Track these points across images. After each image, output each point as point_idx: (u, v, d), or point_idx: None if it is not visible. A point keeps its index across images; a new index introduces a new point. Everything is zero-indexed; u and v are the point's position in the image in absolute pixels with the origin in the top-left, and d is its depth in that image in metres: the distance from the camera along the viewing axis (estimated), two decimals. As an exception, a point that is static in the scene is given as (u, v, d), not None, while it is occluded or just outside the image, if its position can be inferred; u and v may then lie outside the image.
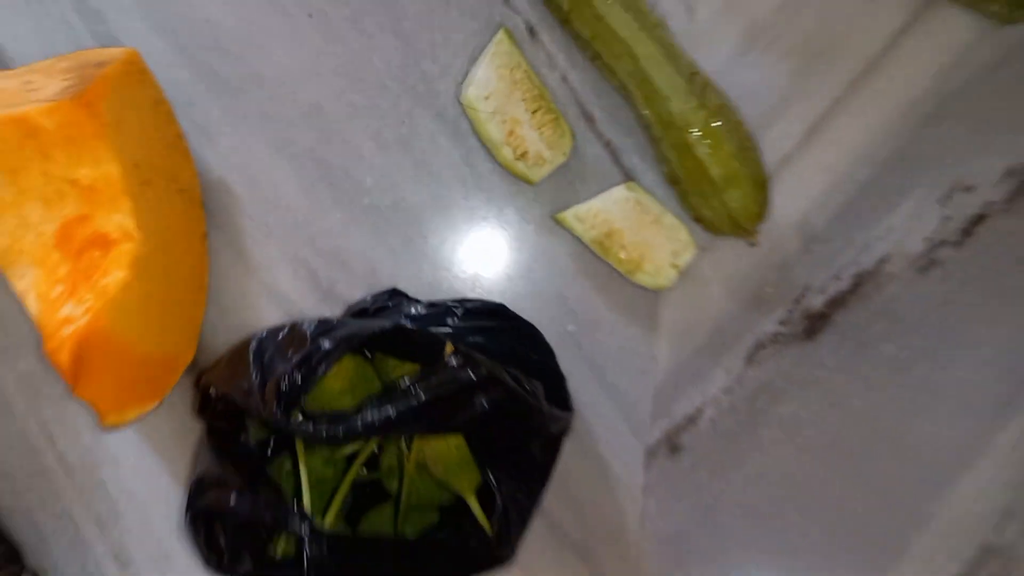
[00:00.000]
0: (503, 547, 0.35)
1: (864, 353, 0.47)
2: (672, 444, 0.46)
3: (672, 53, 0.41)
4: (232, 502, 0.32)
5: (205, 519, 0.34)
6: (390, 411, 0.31)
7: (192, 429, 0.44)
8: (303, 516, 0.31)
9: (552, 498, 0.45)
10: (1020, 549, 0.47)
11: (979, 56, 0.46)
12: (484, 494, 0.35)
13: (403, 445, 0.36)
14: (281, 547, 0.33)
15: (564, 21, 0.43)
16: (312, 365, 0.31)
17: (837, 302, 0.47)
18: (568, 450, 0.41)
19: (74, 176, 0.37)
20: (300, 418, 0.32)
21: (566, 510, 0.46)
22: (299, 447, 0.34)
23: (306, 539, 0.30)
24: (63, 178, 0.37)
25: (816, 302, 0.46)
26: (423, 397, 0.31)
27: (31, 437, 0.44)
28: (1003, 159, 0.47)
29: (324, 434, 0.31)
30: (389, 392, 0.31)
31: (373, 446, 0.35)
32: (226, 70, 0.44)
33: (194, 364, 0.43)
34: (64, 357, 0.36)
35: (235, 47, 0.44)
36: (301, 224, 0.45)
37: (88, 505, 0.44)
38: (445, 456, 0.34)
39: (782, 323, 0.46)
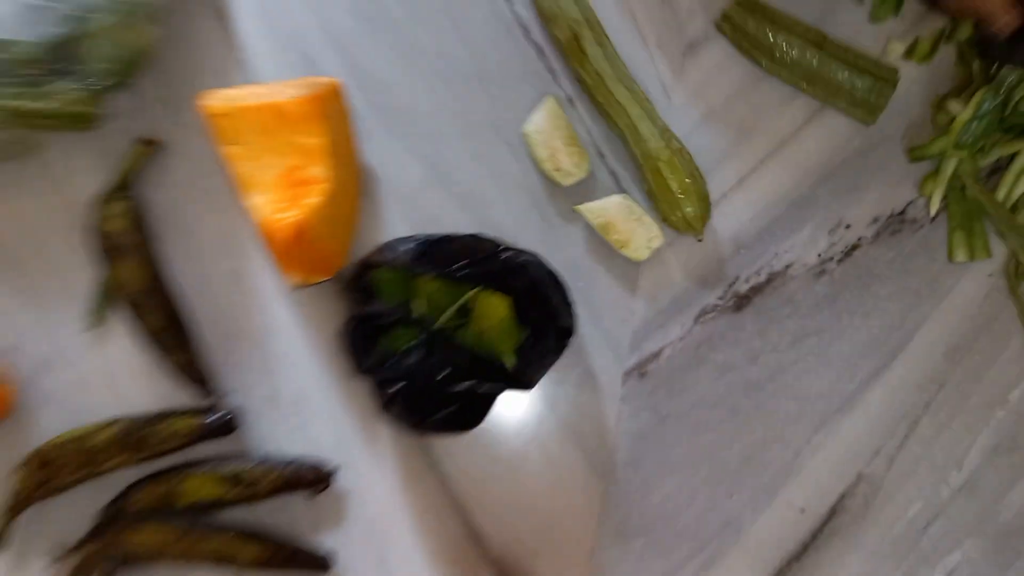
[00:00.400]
0: (527, 376, 0.58)
1: (773, 326, 0.70)
2: (641, 371, 0.69)
3: (653, 115, 0.68)
4: (369, 309, 0.56)
5: (351, 332, 0.58)
6: (477, 269, 0.56)
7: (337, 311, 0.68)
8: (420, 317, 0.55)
9: (553, 390, 0.68)
10: (883, 477, 0.69)
11: (853, 143, 0.73)
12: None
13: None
14: (402, 342, 0.57)
15: (588, 93, 0.70)
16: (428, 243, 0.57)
17: (756, 289, 0.71)
18: (568, 361, 0.65)
19: (298, 142, 0.63)
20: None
21: (563, 402, 0.68)
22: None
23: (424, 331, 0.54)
24: (291, 143, 0.63)
25: (742, 288, 0.71)
26: (495, 266, 0.56)
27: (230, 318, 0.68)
28: (871, 210, 0.72)
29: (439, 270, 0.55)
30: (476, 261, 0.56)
31: (467, 295, 0.58)
32: (387, 104, 0.71)
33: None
34: (277, 243, 0.61)
35: (398, 93, 0.72)
36: (413, 194, 0.70)
37: (261, 359, 0.68)
38: (499, 310, 0.58)
39: (719, 299, 0.70)
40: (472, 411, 0.63)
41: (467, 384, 0.58)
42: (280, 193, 0.63)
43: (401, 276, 0.59)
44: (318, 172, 0.63)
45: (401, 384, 0.58)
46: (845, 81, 0.68)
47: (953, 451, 0.68)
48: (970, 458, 0.68)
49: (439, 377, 0.57)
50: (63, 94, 0.63)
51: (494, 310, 0.58)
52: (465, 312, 0.58)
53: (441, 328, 0.56)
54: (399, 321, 0.57)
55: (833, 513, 0.67)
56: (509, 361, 0.57)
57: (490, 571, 0.66)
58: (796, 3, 0.71)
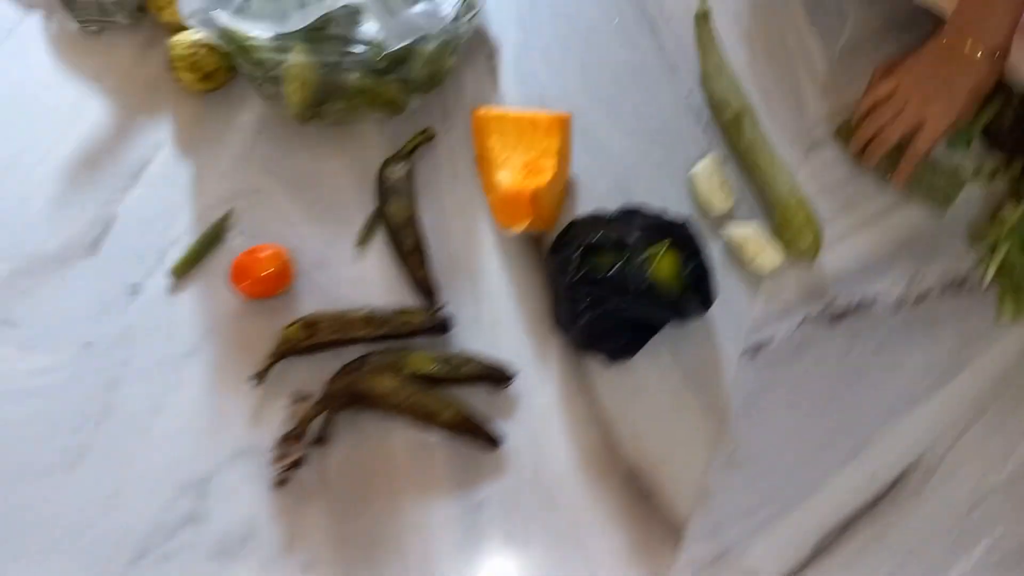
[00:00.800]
0: (685, 313, 0.82)
1: (858, 339, 0.91)
2: (754, 352, 0.91)
3: (786, 174, 0.96)
4: (598, 238, 0.82)
5: (562, 255, 0.83)
6: (665, 230, 0.82)
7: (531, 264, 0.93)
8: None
9: (685, 347, 0.91)
10: (939, 463, 0.87)
11: (931, 224, 0.98)
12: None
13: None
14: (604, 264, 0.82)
15: (740, 156, 0.98)
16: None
17: (848, 311, 0.93)
18: (700, 328, 0.88)
19: (540, 143, 0.91)
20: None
21: (690, 359, 0.90)
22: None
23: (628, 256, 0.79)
24: (535, 143, 0.91)
25: (837, 308, 0.93)
26: (678, 230, 0.82)
27: (457, 258, 0.94)
28: (940, 271, 0.96)
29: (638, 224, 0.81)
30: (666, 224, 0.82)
31: (662, 244, 0.83)
32: (592, 141, 1.00)
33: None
34: (521, 203, 0.88)
35: (599, 135, 1.01)
36: (601, 201, 0.97)
37: (468, 281, 0.92)
38: (673, 264, 0.83)
39: (819, 312, 0.93)
40: (635, 343, 0.86)
41: (643, 309, 0.81)
42: (521, 173, 0.91)
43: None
44: (548, 164, 0.91)
45: (592, 306, 0.82)
46: (928, 178, 0.95)
47: (998, 452, 0.86)
48: (1012, 460, 0.86)
49: (626, 294, 0.80)
50: (391, 86, 0.94)
51: (670, 263, 0.83)
52: (646, 263, 0.83)
53: (634, 261, 0.81)
54: (603, 248, 0.82)
55: (896, 483, 0.85)
56: (675, 295, 0.81)
57: (623, 472, 0.85)
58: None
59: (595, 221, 0.85)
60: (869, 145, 0.95)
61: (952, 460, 0.86)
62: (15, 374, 0.85)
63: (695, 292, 0.83)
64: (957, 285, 0.94)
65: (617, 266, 0.80)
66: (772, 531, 0.82)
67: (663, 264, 0.82)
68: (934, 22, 0.94)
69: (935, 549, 0.82)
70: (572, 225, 0.86)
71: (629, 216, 0.85)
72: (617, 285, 0.80)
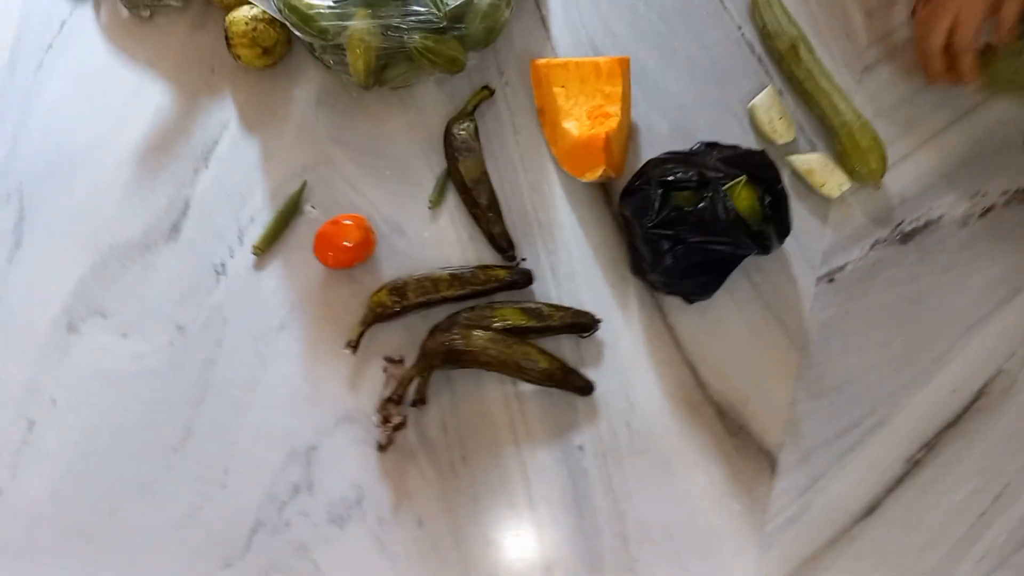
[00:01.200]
0: (766, 243, 0.83)
1: (929, 257, 0.92)
2: (830, 278, 0.92)
3: (847, 99, 0.95)
4: (677, 176, 0.82)
5: (643, 196, 0.84)
6: (743, 162, 0.82)
7: (602, 215, 0.94)
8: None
9: (762, 280, 0.92)
10: (1018, 372, 0.88)
11: (993, 136, 0.99)
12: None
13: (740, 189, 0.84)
14: (688, 202, 0.82)
15: (798, 85, 0.98)
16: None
17: (917, 230, 0.94)
18: (775, 260, 0.89)
19: (603, 89, 0.91)
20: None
21: (769, 291, 0.91)
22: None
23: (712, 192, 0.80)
24: (598, 89, 0.91)
25: (907, 228, 0.94)
26: (757, 161, 0.82)
27: (528, 212, 0.95)
28: (1002, 184, 0.97)
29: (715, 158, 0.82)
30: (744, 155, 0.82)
31: (740, 178, 0.83)
32: (649, 84, 1.00)
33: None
34: (595, 150, 0.88)
35: (655, 78, 1.01)
36: (662, 143, 0.97)
37: (542, 234, 0.93)
38: (752, 197, 0.83)
39: (889, 234, 0.94)
40: (715, 280, 0.87)
41: (726, 243, 0.82)
42: (587, 122, 0.91)
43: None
44: (613, 110, 0.91)
45: (676, 244, 0.82)
46: (1010, 67, 0.92)
47: (1073, 358, 0.88)
48: (1087, 364, 0.88)
49: (710, 230, 0.81)
50: (451, 44, 0.93)
51: (750, 195, 0.83)
52: (727, 197, 0.83)
53: (715, 195, 0.82)
54: (683, 185, 0.82)
55: (978, 396, 0.87)
56: (757, 227, 0.82)
57: (712, 409, 0.87)
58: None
59: (669, 159, 0.85)
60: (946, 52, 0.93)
61: (1030, 368, 0.87)
62: (115, 361, 0.86)
63: (774, 222, 0.84)
64: (1020, 197, 0.94)
65: (701, 201, 0.80)
66: (861, 453, 0.84)
67: (743, 196, 0.82)
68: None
69: (1021, 457, 0.84)
70: (646, 167, 0.86)
71: (704, 152, 0.85)
72: (701, 221, 0.81)
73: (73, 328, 0.87)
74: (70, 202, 0.92)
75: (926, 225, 0.93)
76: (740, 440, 0.84)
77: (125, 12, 0.98)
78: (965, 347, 0.88)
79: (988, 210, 0.94)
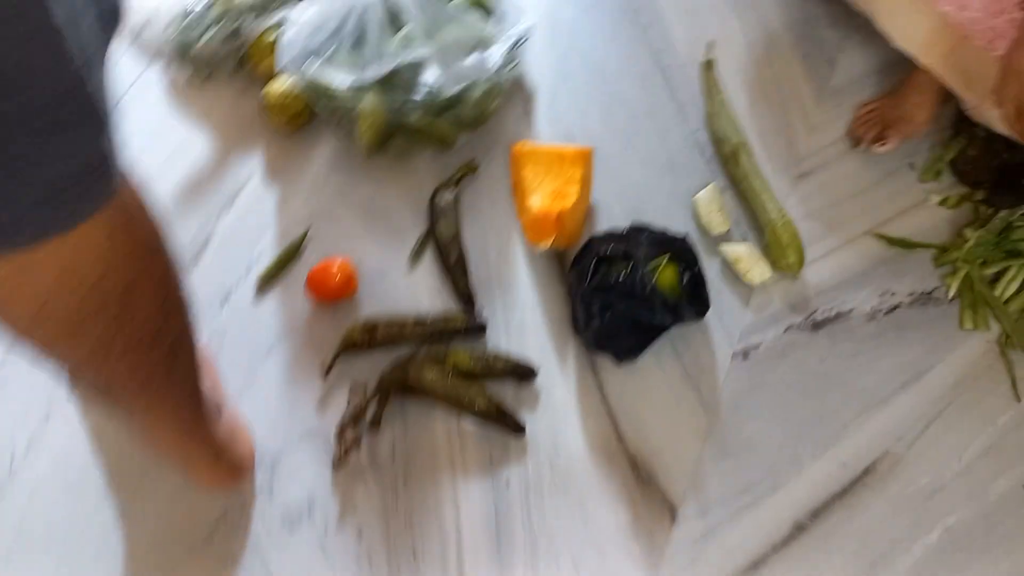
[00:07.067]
0: (683, 318, 0.83)
1: (836, 344, 0.91)
2: (744, 353, 0.92)
3: (774, 200, 0.95)
4: (609, 251, 0.83)
5: (583, 264, 0.85)
6: (667, 245, 0.83)
7: (554, 277, 0.95)
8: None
9: (682, 348, 0.92)
10: (903, 455, 0.87)
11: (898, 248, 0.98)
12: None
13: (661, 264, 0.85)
14: (616, 271, 0.84)
15: (736, 185, 0.99)
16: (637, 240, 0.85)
17: (828, 320, 0.93)
18: (696, 331, 0.89)
19: (566, 173, 0.93)
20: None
21: (687, 358, 0.91)
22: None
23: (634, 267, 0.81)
24: (561, 173, 0.93)
25: (819, 317, 0.93)
26: (679, 246, 0.83)
27: (491, 271, 0.97)
28: (909, 287, 0.96)
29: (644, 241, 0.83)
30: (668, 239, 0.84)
31: (663, 257, 0.85)
32: (610, 170, 1.02)
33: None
34: (545, 220, 0.90)
35: (616, 167, 1.03)
36: (616, 222, 0.99)
37: (501, 291, 0.95)
38: (673, 275, 0.84)
39: (802, 320, 0.93)
40: (640, 345, 0.87)
41: (647, 313, 0.83)
42: (549, 198, 0.93)
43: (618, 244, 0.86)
44: (572, 191, 0.93)
45: (603, 309, 0.84)
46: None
47: (955, 447, 0.86)
48: (967, 454, 0.86)
49: (632, 299, 0.82)
50: (445, 125, 0.97)
51: (670, 273, 0.84)
52: (650, 272, 0.84)
53: (639, 270, 0.83)
54: (614, 259, 0.84)
55: (866, 472, 0.85)
56: (675, 301, 0.83)
57: (627, 459, 0.86)
58: (869, 163, 1.00)
59: (608, 237, 0.87)
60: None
61: (916, 451, 0.85)
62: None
63: (692, 299, 0.84)
64: (924, 299, 0.93)
65: (624, 274, 0.82)
66: (755, 512, 0.83)
67: (664, 273, 0.83)
68: (911, 66, 0.93)
69: (897, 530, 0.82)
70: (590, 241, 0.88)
71: (637, 232, 0.87)
72: (625, 290, 0.82)
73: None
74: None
75: (837, 316, 0.92)
76: (648, 489, 0.84)
77: (186, 76, 1.04)
78: (859, 427, 0.87)
79: (895, 308, 0.93)
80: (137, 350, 0.52)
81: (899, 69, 1.01)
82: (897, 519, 0.82)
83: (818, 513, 0.83)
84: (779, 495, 0.84)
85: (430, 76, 0.91)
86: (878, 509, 0.83)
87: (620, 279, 0.81)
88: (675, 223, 0.96)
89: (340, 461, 0.84)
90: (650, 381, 0.88)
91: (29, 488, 0.83)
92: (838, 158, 1.01)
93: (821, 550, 0.81)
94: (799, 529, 0.82)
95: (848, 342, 0.90)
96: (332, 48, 0.88)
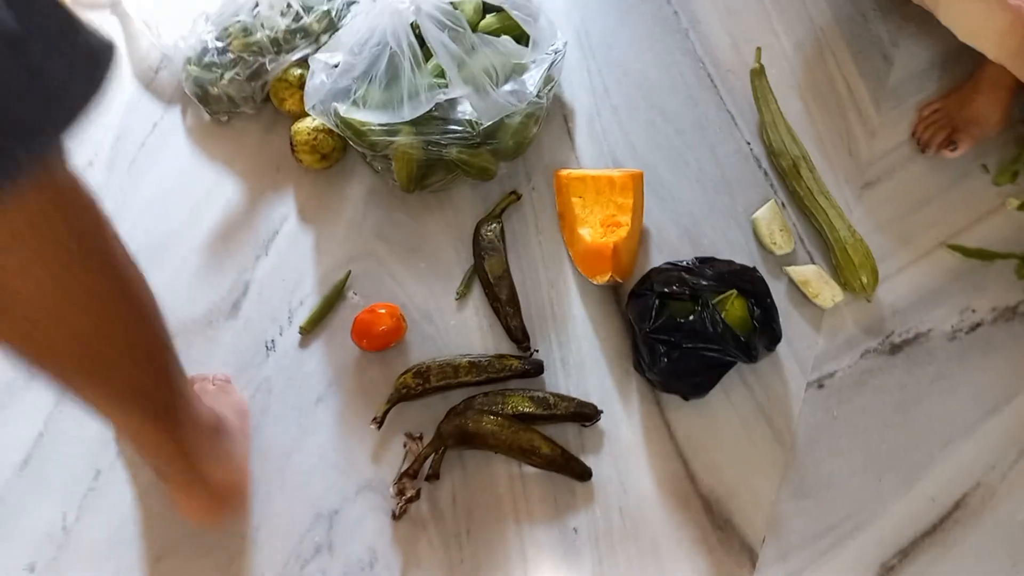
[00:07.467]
0: (754, 354, 0.78)
1: (916, 368, 0.86)
2: (819, 383, 0.87)
3: (843, 216, 0.89)
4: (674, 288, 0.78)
5: (642, 302, 0.80)
6: (735, 278, 0.77)
7: (612, 312, 0.90)
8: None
9: (755, 382, 0.86)
10: (997, 486, 0.81)
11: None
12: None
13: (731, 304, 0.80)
14: (681, 312, 0.78)
15: (798, 200, 0.93)
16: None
17: (906, 342, 0.88)
18: (768, 365, 0.84)
19: (616, 201, 0.88)
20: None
21: (760, 392, 0.86)
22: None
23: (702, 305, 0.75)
24: (612, 201, 0.88)
25: (896, 339, 0.88)
26: (747, 277, 0.77)
27: (544, 306, 0.91)
28: (991, 302, 0.89)
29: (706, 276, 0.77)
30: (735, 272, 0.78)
31: (729, 292, 0.79)
32: (663, 193, 0.96)
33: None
34: (599, 255, 0.85)
35: (670, 187, 0.97)
36: (672, 247, 0.93)
37: (556, 327, 0.90)
38: (742, 309, 0.79)
39: (879, 344, 0.88)
40: (709, 381, 0.82)
41: (716, 351, 0.78)
42: (600, 229, 0.88)
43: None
44: (624, 220, 0.87)
45: (670, 349, 0.78)
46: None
47: (1053, 476, 0.80)
48: (1066, 483, 0.80)
49: (701, 339, 0.77)
50: (484, 156, 0.91)
51: (740, 308, 0.79)
52: (718, 309, 0.79)
53: (707, 307, 0.77)
54: (678, 297, 0.78)
55: (957, 507, 0.80)
56: (746, 337, 0.77)
57: (699, 502, 0.81)
58: (938, 167, 0.93)
59: (670, 270, 0.82)
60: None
61: (1010, 481, 0.80)
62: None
63: (763, 333, 0.79)
64: (1008, 314, 0.87)
65: (692, 313, 0.76)
66: (838, 555, 0.78)
67: (733, 309, 0.78)
68: (975, 59, 0.87)
69: (994, 569, 0.77)
70: (649, 275, 0.83)
71: (701, 266, 0.81)
72: (693, 331, 0.77)
73: (143, 391, 0.87)
74: (154, 283, 0.92)
75: (916, 337, 0.86)
76: (724, 533, 0.79)
77: (207, 116, 0.99)
78: (947, 457, 0.81)
79: (977, 325, 0.86)
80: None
81: (963, 62, 0.94)
82: (993, 556, 0.77)
83: (907, 553, 0.78)
84: (863, 535, 0.79)
85: (466, 108, 0.85)
86: (972, 546, 0.78)
87: (687, 319, 0.76)
88: (734, 246, 0.90)
89: (400, 514, 0.80)
90: (720, 417, 0.83)
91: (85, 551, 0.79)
92: (903, 164, 0.94)
93: (913, 593, 0.76)
94: (887, 571, 0.77)
95: (929, 365, 0.84)
96: (363, 88, 0.83)
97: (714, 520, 0.79)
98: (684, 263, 0.81)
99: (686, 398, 0.83)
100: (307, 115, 0.90)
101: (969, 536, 0.78)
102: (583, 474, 0.81)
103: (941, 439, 0.82)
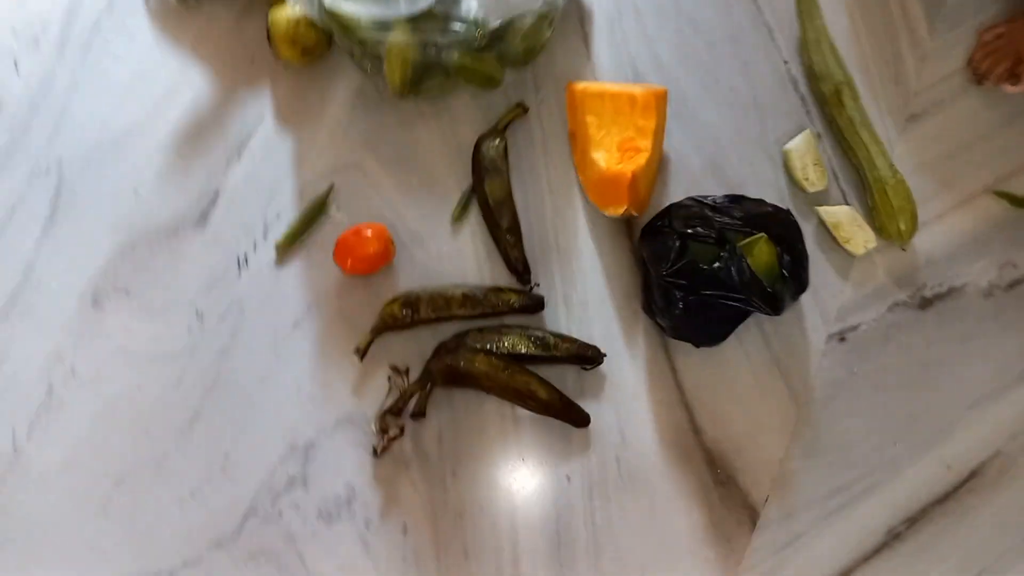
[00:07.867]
0: (778, 304, 0.70)
1: (947, 325, 0.79)
2: (841, 336, 0.80)
3: (885, 153, 0.79)
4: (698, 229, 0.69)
5: (659, 243, 0.71)
6: (765, 220, 0.68)
7: (622, 247, 0.81)
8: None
9: (773, 332, 0.79)
10: (1016, 456, 0.76)
11: None
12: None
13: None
14: (705, 257, 0.70)
15: (838, 132, 0.83)
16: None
17: (938, 296, 0.80)
18: (789, 314, 0.76)
19: (636, 122, 0.78)
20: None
21: (777, 343, 0.79)
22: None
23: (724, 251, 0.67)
24: (631, 121, 0.78)
25: (928, 293, 0.80)
26: (780, 218, 0.68)
27: (548, 237, 0.82)
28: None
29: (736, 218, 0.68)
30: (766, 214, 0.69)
31: (759, 235, 0.70)
32: (686, 114, 0.85)
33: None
34: (620, 186, 0.75)
35: (694, 108, 0.86)
36: (693, 178, 0.84)
37: (560, 260, 0.82)
38: (770, 255, 0.70)
39: (909, 297, 0.80)
40: (724, 330, 0.75)
41: (739, 301, 0.70)
42: (616, 154, 0.78)
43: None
44: (644, 145, 0.77)
45: (688, 296, 0.70)
46: None
47: (1079, 449, 0.75)
48: (1092, 457, 0.75)
49: (724, 287, 0.69)
50: (488, 62, 0.80)
51: (767, 253, 0.70)
52: (745, 257, 0.70)
53: (733, 254, 0.69)
54: (702, 239, 0.70)
55: (972, 475, 0.75)
56: (772, 288, 0.69)
57: (703, 455, 0.76)
58: (993, 101, 0.83)
59: (692, 206, 0.73)
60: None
61: (1032, 453, 0.74)
62: (134, 340, 0.78)
63: (791, 281, 0.71)
64: (1052, 273, 0.79)
65: (719, 260, 0.68)
66: (845, 518, 0.74)
67: (760, 255, 0.69)
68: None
69: (1006, 543, 0.73)
70: (669, 209, 0.74)
71: (729, 204, 0.72)
72: (716, 278, 0.69)
73: (98, 304, 0.79)
74: (106, 182, 0.82)
75: (948, 292, 0.79)
76: (726, 490, 0.74)
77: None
78: (969, 424, 0.76)
79: (1016, 283, 0.79)
80: None
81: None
82: (1006, 530, 0.73)
83: (916, 521, 0.73)
84: (873, 499, 0.74)
85: (470, 5, 0.73)
86: (985, 518, 0.73)
87: (711, 266, 0.67)
88: (762, 179, 0.81)
89: (382, 451, 0.74)
90: (731, 367, 0.77)
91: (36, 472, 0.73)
92: (954, 96, 0.85)
93: (917, 562, 0.72)
94: (894, 538, 0.73)
95: (960, 323, 0.77)
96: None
97: (716, 475, 0.74)
98: (709, 199, 0.72)
99: (697, 345, 0.76)
100: (289, 3, 0.77)
101: (983, 507, 0.74)
102: (581, 420, 0.75)
103: (964, 403, 0.76)
